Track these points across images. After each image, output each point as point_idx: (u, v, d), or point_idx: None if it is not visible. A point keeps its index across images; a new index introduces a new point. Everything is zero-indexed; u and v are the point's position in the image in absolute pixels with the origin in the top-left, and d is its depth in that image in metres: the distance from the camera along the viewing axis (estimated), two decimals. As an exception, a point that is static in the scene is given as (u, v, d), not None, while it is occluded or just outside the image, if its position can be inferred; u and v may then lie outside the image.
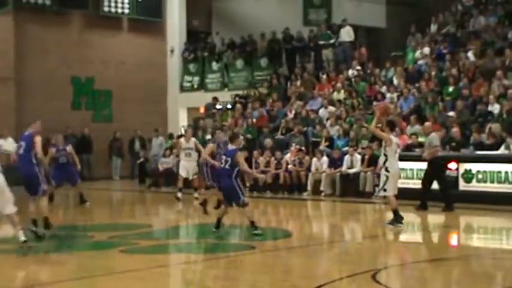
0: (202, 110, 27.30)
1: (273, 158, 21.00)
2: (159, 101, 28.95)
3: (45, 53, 26.07)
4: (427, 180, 15.91)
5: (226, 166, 12.43)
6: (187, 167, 18.85)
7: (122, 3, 27.86)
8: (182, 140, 19.48)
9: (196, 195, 18.56)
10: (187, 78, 29.32)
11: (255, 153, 21.34)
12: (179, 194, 18.68)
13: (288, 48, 27.21)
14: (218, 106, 26.56)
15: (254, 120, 23.79)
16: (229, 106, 26.21)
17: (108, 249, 11.78)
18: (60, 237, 13.48)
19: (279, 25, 27.22)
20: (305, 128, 22.07)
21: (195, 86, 29.08)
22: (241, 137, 21.52)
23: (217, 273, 9.93)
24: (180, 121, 28.94)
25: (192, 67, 29.21)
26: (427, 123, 17.30)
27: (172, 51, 29.30)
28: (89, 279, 9.41)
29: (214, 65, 28.72)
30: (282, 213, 17.80)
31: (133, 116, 27.72)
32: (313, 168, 20.20)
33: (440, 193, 15.83)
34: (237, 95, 26.80)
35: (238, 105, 25.35)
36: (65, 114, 26.26)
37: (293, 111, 23.28)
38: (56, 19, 26.34)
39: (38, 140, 12.82)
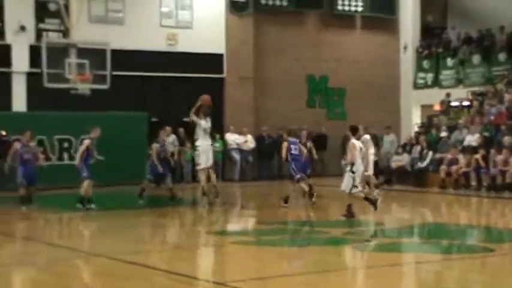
0: (436, 107, 26.69)
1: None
2: (392, 98, 28.73)
3: (282, 53, 26.90)
4: None
5: None
6: None
7: (356, 1, 28.02)
8: None
9: None
10: (421, 74, 28.81)
11: (492, 151, 20.48)
12: None
13: (529, 41, 25.77)
14: (454, 103, 25.81)
15: (492, 117, 22.83)
16: (465, 103, 25.37)
17: (342, 245, 11.92)
18: (297, 232, 13.89)
19: (520, 17, 25.87)
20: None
21: (429, 83, 28.49)
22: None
23: (452, 275, 9.67)
24: (413, 118, 28.52)
25: (425, 63, 28.67)
26: None
27: (405, 47, 28.95)
28: (322, 274, 9.58)
29: (449, 61, 27.94)
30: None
31: (366, 113, 27.71)
32: (557, 169, 18.98)
33: None
34: (473, 92, 25.88)
35: (475, 102, 24.46)
36: (300, 112, 26.91)
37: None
38: (292, 19, 27.08)
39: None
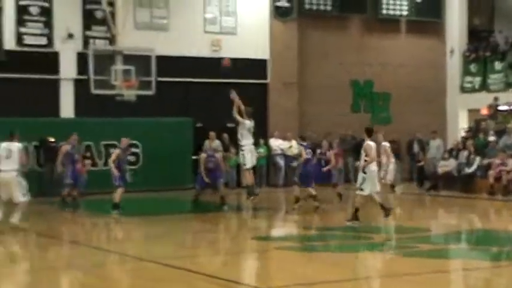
0: (484, 111, 26.29)
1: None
2: (438, 102, 28.41)
3: (326, 58, 26.79)
4: None
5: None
6: None
7: (400, 5, 27.79)
8: None
9: None
10: (468, 78, 28.41)
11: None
12: None
13: None
14: (502, 107, 25.39)
15: (542, 121, 22.41)
16: (514, 107, 24.94)
17: (388, 251, 11.80)
18: (341, 237, 13.80)
19: None
20: None
21: (476, 87, 28.08)
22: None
23: (501, 282, 9.50)
24: (460, 123, 28.14)
25: (472, 67, 28.27)
26: None
27: (452, 51, 28.61)
28: (367, 280, 9.51)
29: (497, 65, 27.50)
30: None
31: (411, 118, 27.48)
32: None
33: None
34: (522, 96, 25.44)
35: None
36: (344, 117, 26.77)
37: None
38: (335, 24, 26.96)
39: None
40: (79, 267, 10.80)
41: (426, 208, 19.93)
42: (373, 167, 14.61)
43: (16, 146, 14.14)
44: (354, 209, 14.56)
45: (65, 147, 18.54)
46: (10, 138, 14.23)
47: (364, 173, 14.46)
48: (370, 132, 14.92)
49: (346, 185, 25.17)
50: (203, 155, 18.14)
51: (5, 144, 14.07)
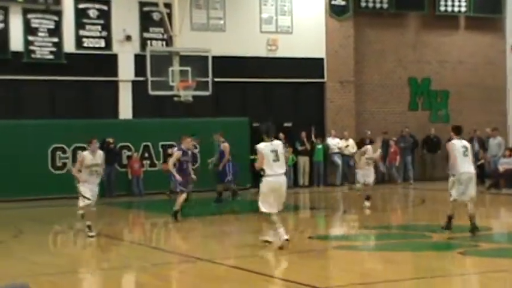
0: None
1: None
2: (498, 99, 27.91)
3: (382, 56, 26.58)
4: None
5: None
6: None
7: (459, 1, 27.36)
8: None
9: None
10: (531, 75, 27.84)
11: None
12: None
13: None
14: None
15: None
16: None
17: (447, 250, 11.65)
18: (399, 236, 13.67)
19: None
20: None
21: (538, 83, 27.51)
22: None
23: None
24: (520, 120, 27.62)
25: (533, 63, 27.69)
26: None
27: (512, 47, 28.08)
28: (426, 280, 9.39)
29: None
30: None
31: (470, 115, 27.06)
32: None
33: None
34: None
35: None
36: (402, 115, 26.53)
37: None
38: (392, 21, 26.70)
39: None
40: (139, 268, 10.92)
41: (487, 206, 19.57)
42: (460, 169, 12.89)
43: (281, 145, 11.83)
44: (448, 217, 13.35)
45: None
46: (268, 136, 11.70)
47: (453, 175, 13.14)
48: (458, 130, 13.46)
49: (405, 183, 25.01)
50: None
51: (269, 145, 11.55)
